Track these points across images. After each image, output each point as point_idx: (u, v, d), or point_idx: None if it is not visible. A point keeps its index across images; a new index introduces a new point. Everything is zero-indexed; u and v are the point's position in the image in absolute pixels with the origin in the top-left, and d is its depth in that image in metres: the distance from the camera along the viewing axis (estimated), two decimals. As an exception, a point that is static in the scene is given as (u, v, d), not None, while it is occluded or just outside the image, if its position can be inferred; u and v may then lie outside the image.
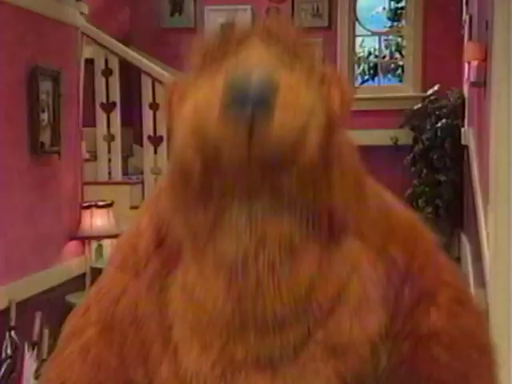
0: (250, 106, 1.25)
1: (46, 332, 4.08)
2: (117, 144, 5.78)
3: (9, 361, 3.98)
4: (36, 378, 3.93)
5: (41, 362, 3.97)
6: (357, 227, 1.51)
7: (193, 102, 1.37)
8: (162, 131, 5.63)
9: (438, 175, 6.07)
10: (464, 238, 5.90)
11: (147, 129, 5.74)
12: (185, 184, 1.41)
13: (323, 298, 1.45)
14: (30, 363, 3.97)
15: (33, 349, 4.01)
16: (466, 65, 5.67)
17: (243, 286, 1.40)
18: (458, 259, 6.01)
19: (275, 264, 1.37)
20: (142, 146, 5.90)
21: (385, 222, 1.58)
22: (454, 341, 1.54)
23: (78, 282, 4.89)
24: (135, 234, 1.67)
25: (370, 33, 6.85)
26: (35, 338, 4.06)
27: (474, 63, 4.88)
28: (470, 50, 5.00)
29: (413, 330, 1.52)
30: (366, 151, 6.13)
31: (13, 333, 4.03)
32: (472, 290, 5.04)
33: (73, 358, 1.62)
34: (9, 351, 4.00)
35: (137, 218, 1.72)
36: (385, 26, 6.93)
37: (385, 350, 1.50)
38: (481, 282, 4.40)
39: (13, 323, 4.06)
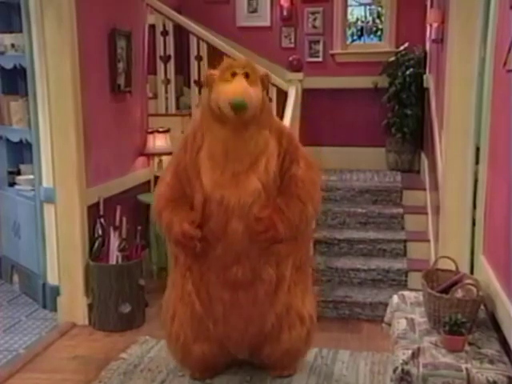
0: (240, 106, 2.78)
1: (124, 219, 4.19)
2: (171, 86, 5.77)
3: (100, 239, 4.13)
4: (119, 251, 4.06)
5: (121, 240, 4.10)
6: (269, 128, 2.94)
7: (220, 91, 2.84)
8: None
9: (406, 110, 6.00)
10: (423, 156, 5.91)
11: (193, 75, 5.74)
12: (212, 114, 2.91)
13: (255, 151, 2.87)
14: (113, 240, 4.10)
15: (115, 230, 4.13)
16: (428, 27, 5.58)
17: (229, 147, 2.84)
18: (418, 171, 6.06)
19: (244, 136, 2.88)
20: (189, 87, 5.89)
21: (279, 128, 3.03)
22: (305, 179, 2.93)
23: (145, 186, 4.99)
24: (185, 136, 3.09)
25: (357, 4, 6.74)
26: (117, 223, 4.17)
27: (435, 25, 4.82)
28: (431, 15, 4.92)
29: (290, 172, 2.93)
30: (355, 92, 6.19)
31: (102, 220, 4.17)
32: (428, 192, 5.12)
33: (163, 184, 3.06)
34: (100, 232, 4.15)
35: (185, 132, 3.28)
36: (369, -1, 6.83)
37: (278, 176, 2.90)
38: (434, 186, 4.45)
39: (101, 213, 4.19)
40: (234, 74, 2.86)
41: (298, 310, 3.06)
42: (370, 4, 6.78)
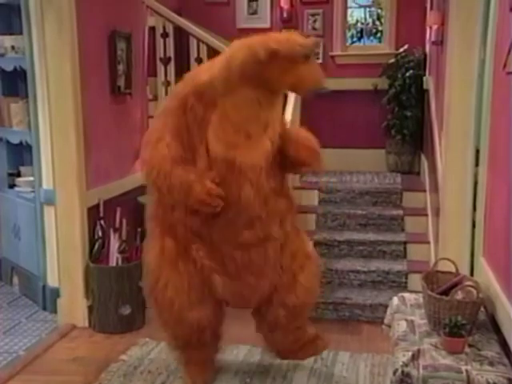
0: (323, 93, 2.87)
1: (124, 221, 4.19)
2: (172, 88, 5.75)
3: (100, 240, 4.12)
4: (119, 252, 4.05)
5: (121, 241, 4.10)
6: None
7: (303, 75, 2.75)
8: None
9: (406, 111, 6.01)
10: (423, 157, 5.91)
11: (194, 77, 5.73)
12: (253, 78, 2.70)
13: (270, 113, 2.85)
14: (113, 242, 4.10)
15: (115, 232, 4.13)
16: (428, 29, 5.57)
17: (254, 110, 2.77)
18: (418, 172, 6.05)
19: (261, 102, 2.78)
20: (190, 89, 5.89)
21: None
22: (297, 137, 3.09)
23: (145, 188, 4.90)
24: (182, 95, 2.81)
25: (357, 6, 6.75)
26: (117, 225, 4.17)
27: (435, 27, 4.82)
28: (431, 17, 4.92)
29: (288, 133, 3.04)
30: (355, 93, 6.19)
31: (102, 221, 4.16)
32: (428, 193, 5.12)
33: (163, 144, 2.77)
34: (100, 234, 4.14)
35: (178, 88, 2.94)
36: (368, 1, 6.81)
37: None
38: (434, 188, 4.45)
39: (101, 215, 4.18)
40: (307, 56, 2.75)
41: (303, 250, 3.16)
42: (369, 6, 6.79)
